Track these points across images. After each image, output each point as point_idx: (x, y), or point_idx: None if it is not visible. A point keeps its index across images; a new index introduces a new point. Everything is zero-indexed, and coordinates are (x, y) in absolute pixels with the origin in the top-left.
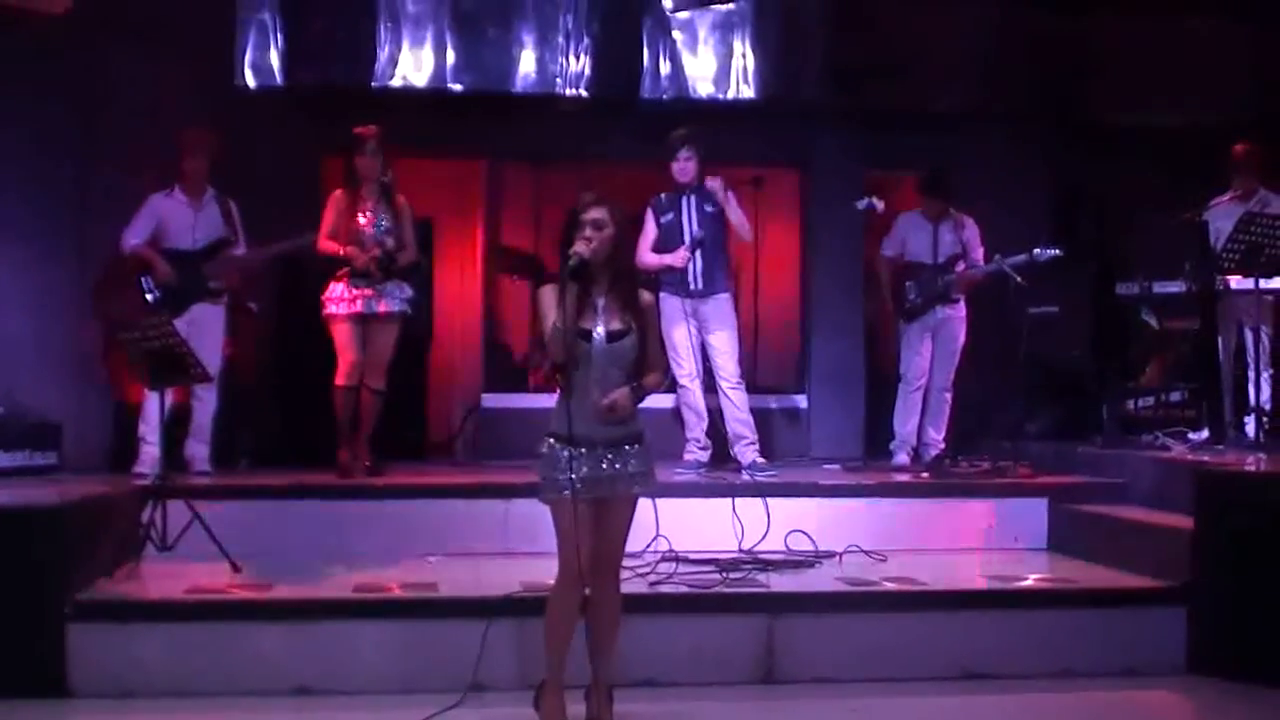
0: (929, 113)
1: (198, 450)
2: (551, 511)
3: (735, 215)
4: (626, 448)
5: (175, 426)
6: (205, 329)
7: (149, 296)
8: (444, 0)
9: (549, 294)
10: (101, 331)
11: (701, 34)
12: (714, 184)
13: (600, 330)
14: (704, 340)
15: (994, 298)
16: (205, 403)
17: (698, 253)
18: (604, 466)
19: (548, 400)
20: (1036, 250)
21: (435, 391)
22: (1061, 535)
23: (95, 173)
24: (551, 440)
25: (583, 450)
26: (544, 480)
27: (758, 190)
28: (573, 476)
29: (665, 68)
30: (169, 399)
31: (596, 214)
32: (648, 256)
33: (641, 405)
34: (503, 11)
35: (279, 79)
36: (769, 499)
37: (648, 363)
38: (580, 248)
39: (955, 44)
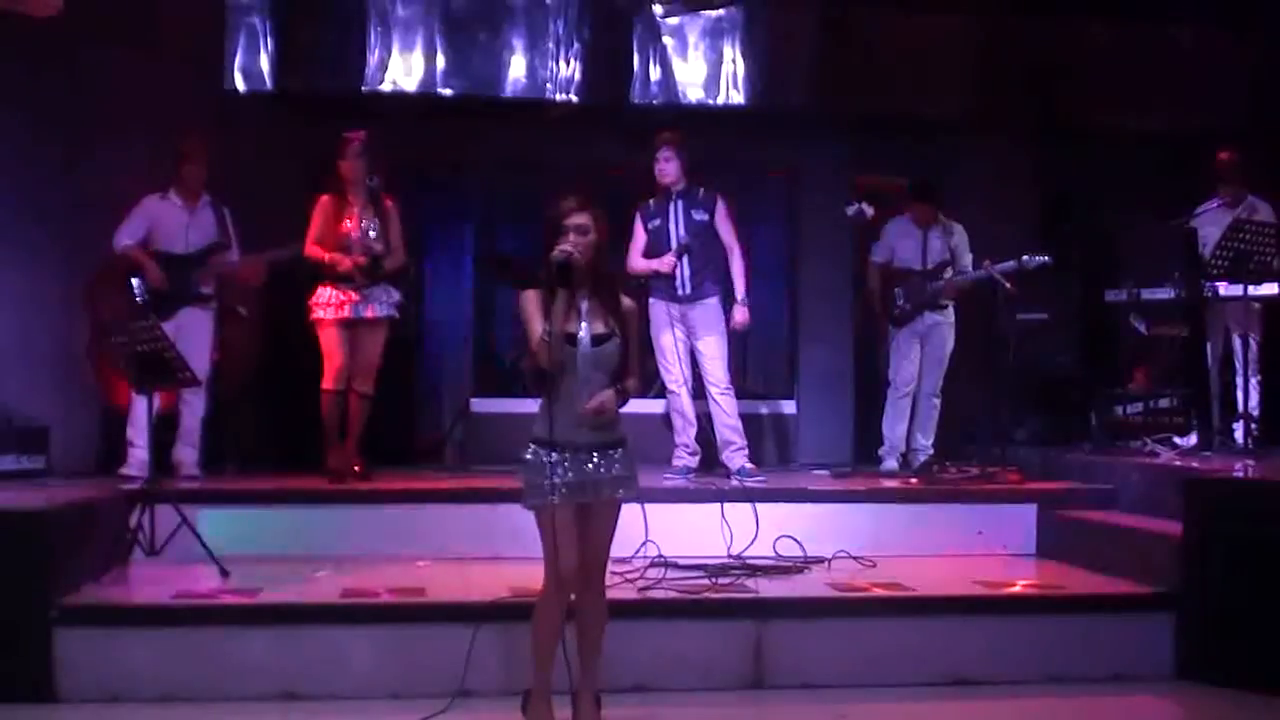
0: (917, 119)
1: (186, 454)
2: (536, 517)
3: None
4: (610, 452)
5: (163, 431)
6: (194, 333)
7: (138, 299)
8: (434, 5)
9: (531, 299)
10: (89, 333)
11: (692, 40)
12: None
13: (586, 335)
14: (693, 346)
15: (983, 304)
16: (193, 407)
17: (685, 258)
18: (588, 471)
19: (535, 405)
20: (1025, 257)
21: (424, 396)
22: (1050, 541)
23: (83, 176)
24: (535, 446)
25: (567, 455)
26: (528, 486)
27: (747, 195)
28: (557, 482)
29: (655, 73)
30: (156, 403)
31: (580, 219)
32: (637, 262)
33: (629, 410)
34: (493, 16)
35: (269, 83)
36: (758, 504)
37: (629, 367)
38: (567, 246)
39: (943, 51)
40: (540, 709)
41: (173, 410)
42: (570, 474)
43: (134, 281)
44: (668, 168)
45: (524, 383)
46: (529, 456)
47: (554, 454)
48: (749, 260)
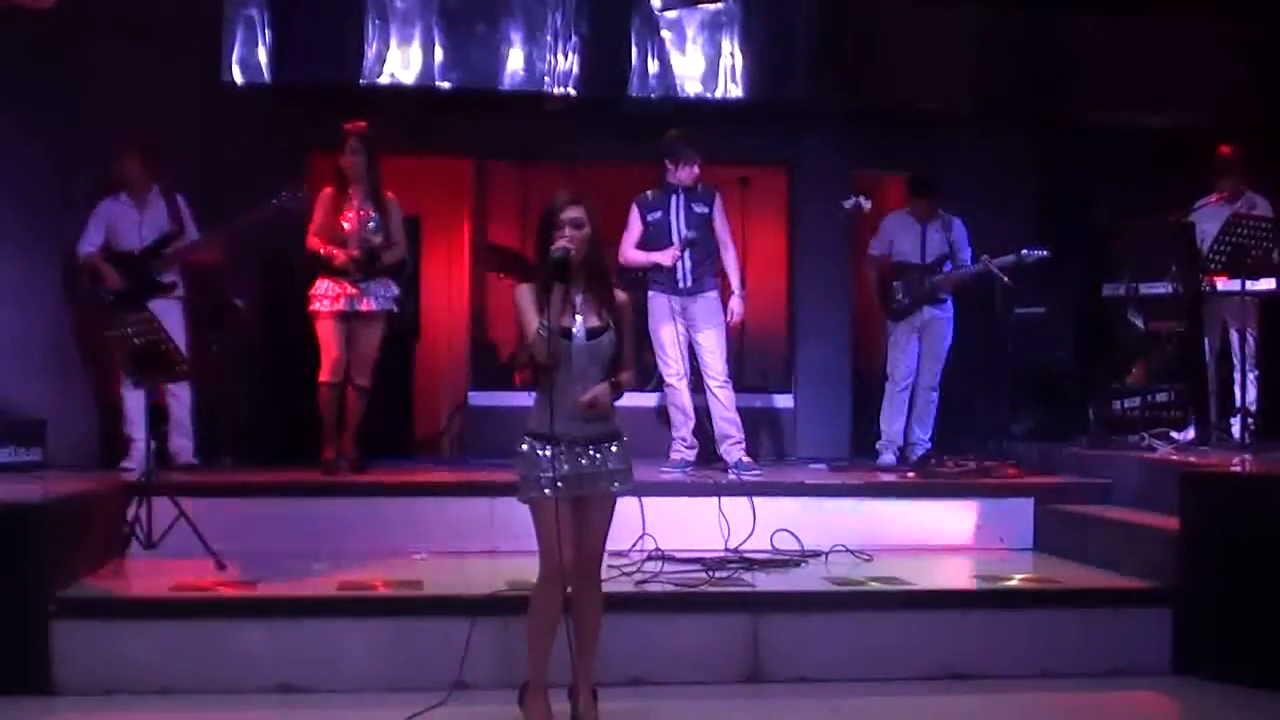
0: (916, 113)
1: (181, 444)
2: (531, 511)
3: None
4: (606, 445)
5: (157, 423)
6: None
7: (105, 302)
8: None
9: (526, 293)
10: (77, 324)
11: (690, 33)
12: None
13: (580, 328)
14: (692, 339)
15: (981, 298)
16: (180, 399)
17: (686, 251)
18: (584, 464)
19: (532, 398)
20: (1024, 251)
21: (422, 389)
22: (1047, 536)
23: (80, 169)
24: (530, 439)
25: (562, 448)
26: (523, 480)
27: (745, 189)
28: (553, 475)
29: (653, 66)
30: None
31: (574, 213)
32: (632, 254)
33: (626, 404)
34: (491, 9)
35: (266, 76)
36: (755, 498)
37: (623, 360)
38: (564, 243)
39: (942, 44)
40: (537, 701)
41: (161, 403)
42: (566, 467)
43: (99, 287)
44: (695, 170)
45: (515, 377)
46: (524, 449)
47: (549, 447)
48: (745, 254)
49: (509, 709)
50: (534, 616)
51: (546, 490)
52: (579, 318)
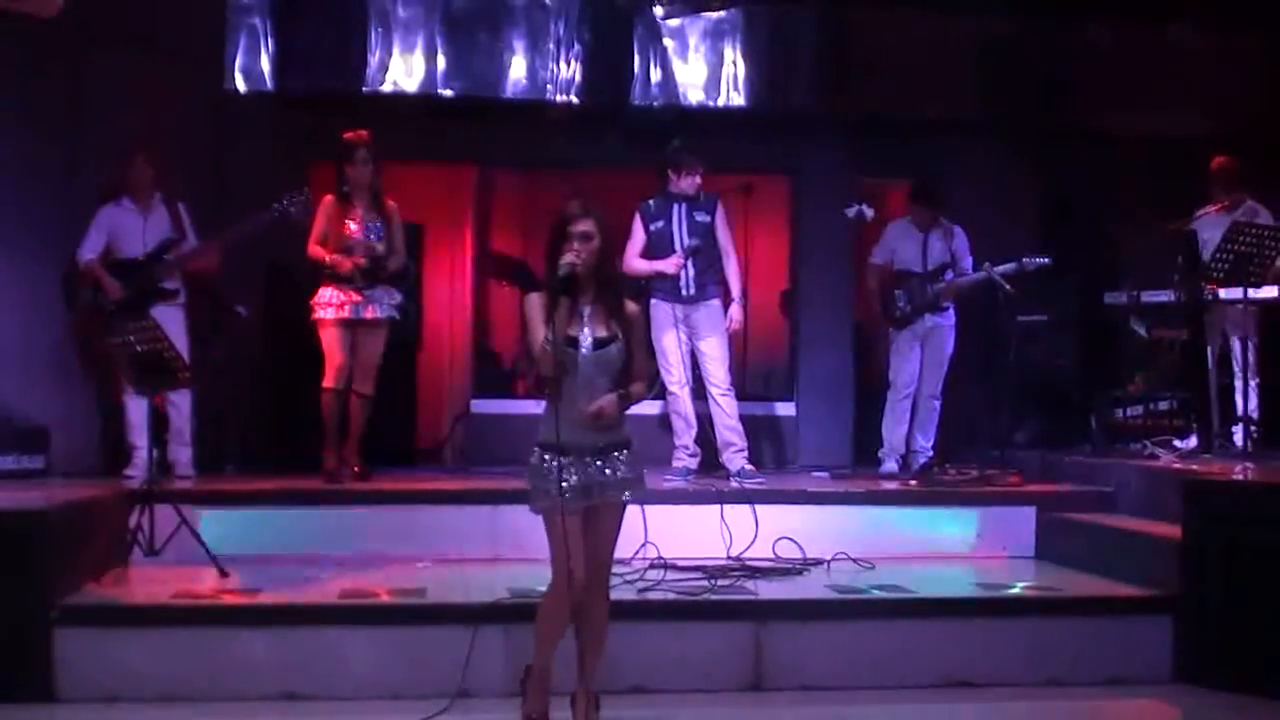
0: (918, 120)
1: (181, 453)
2: (544, 520)
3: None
4: (615, 455)
5: (160, 431)
6: (167, 331)
7: (106, 310)
8: (435, 6)
9: (535, 303)
10: (79, 331)
11: (692, 41)
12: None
13: (587, 338)
14: (694, 347)
15: (983, 306)
16: (179, 407)
17: (690, 260)
18: (593, 474)
19: (536, 406)
20: (1026, 259)
21: (424, 397)
22: (1049, 544)
23: (83, 177)
24: (540, 449)
25: (572, 458)
26: (534, 489)
27: (747, 197)
28: (564, 485)
29: (656, 74)
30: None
31: (584, 226)
32: (636, 263)
33: (629, 412)
34: (493, 18)
35: (269, 84)
36: (757, 506)
37: (634, 371)
38: (571, 258)
39: (944, 52)
40: (538, 691)
41: (161, 411)
42: (576, 477)
43: (98, 295)
44: (697, 180)
45: (518, 385)
46: (534, 460)
47: (559, 457)
48: (747, 262)
49: (512, 716)
50: (542, 623)
51: (558, 499)
52: (586, 328)
